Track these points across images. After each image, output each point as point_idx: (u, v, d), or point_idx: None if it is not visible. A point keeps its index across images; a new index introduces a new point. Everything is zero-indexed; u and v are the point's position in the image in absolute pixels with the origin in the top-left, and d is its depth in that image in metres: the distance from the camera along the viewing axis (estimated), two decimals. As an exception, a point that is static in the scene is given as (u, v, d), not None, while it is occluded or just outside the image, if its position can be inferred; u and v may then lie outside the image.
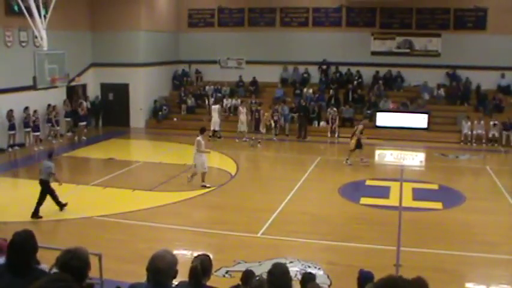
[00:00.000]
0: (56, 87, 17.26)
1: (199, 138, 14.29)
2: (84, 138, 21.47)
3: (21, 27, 18.71)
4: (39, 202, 11.53)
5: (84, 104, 22.99)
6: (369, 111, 23.13)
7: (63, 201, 12.00)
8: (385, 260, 9.41)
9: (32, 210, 11.43)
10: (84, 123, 21.96)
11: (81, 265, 3.25)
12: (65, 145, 20.61)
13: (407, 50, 24.42)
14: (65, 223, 11.49)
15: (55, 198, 11.86)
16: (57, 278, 2.98)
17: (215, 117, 21.45)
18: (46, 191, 11.67)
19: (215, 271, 8.00)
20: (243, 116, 21.27)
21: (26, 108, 19.20)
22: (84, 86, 24.14)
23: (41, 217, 11.40)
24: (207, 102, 24.85)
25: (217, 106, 22.13)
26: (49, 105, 20.37)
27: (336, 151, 21.65)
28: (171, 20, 26.23)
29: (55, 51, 16.04)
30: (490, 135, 20.76)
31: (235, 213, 12.29)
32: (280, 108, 22.55)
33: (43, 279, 2.93)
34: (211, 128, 21.28)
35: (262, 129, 20.72)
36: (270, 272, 4.21)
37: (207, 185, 14.21)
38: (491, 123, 20.84)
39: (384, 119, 22.41)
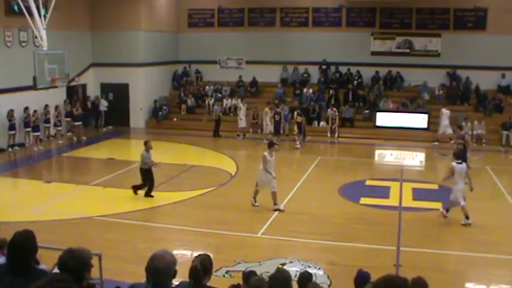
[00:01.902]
0: (56, 87, 17.27)
1: (265, 153, 12.23)
2: (84, 138, 21.45)
3: (21, 27, 18.72)
4: (145, 185, 13.31)
5: (105, 102, 23.61)
6: (367, 111, 23.15)
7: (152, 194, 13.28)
8: (385, 260, 9.42)
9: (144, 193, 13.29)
10: (80, 123, 21.91)
11: (78, 265, 3.25)
12: (65, 145, 20.63)
13: (407, 50, 24.43)
14: (65, 223, 11.48)
15: (150, 185, 13.27)
16: (56, 278, 2.98)
17: (242, 116, 22.03)
18: (145, 177, 13.19)
19: (215, 271, 7.99)
20: (269, 118, 20.78)
21: (26, 108, 19.19)
22: (84, 86, 24.16)
23: (152, 196, 13.23)
24: (207, 102, 24.89)
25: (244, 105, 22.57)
26: (46, 105, 20.36)
27: (336, 151, 21.66)
28: (171, 20, 26.23)
29: (55, 51, 16.04)
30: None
31: (235, 213, 12.28)
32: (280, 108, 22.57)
33: (43, 279, 2.94)
34: (239, 126, 21.95)
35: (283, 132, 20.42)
36: (271, 277, 4.22)
37: (281, 208, 12.27)
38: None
39: (384, 119, 22.41)
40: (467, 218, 11.43)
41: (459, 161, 11.69)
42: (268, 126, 20.90)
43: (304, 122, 20.84)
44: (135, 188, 13.40)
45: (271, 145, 12.52)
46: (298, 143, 20.01)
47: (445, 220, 11.94)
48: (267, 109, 21.18)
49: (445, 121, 20.80)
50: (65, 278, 2.98)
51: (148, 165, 13.10)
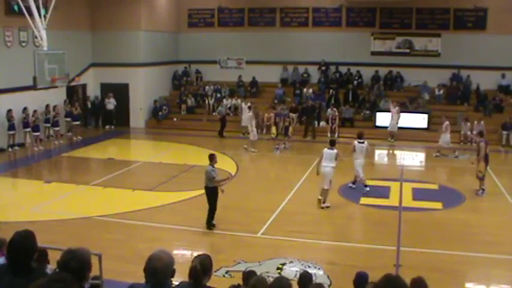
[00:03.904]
0: (56, 87, 17.28)
1: (337, 150, 12.57)
2: (79, 137, 21.45)
3: (21, 27, 18.72)
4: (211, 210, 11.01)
5: (113, 100, 23.68)
6: (367, 111, 23.14)
7: (213, 222, 11.04)
8: (385, 260, 9.41)
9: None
10: (78, 122, 21.96)
11: (80, 266, 3.25)
12: (64, 145, 20.63)
13: (407, 50, 24.43)
14: (65, 223, 11.49)
15: (211, 210, 10.99)
16: (57, 278, 2.98)
17: (245, 115, 21.99)
18: (209, 197, 10.96)
19: (215, 271, 7.99)
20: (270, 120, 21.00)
21: (25, 109, 19.17)
22: (84, 86, 24.16)
23: (213, 225, 10.99)
24: (207, 102, 24.91)
25: (248, 105, 22.46)
26: (47, 105, 20.35)
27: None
28: (171, 20, 26.23)
29: (55, 51, 16.05)
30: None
31: (235, 213, 12.27)
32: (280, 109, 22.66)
33: (43, 279, 2.93)
34: (242, 124, 21.97)
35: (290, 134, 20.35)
36: (270, 285, 4.23)
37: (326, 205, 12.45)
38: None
39: (384, 119, 22.39)
40: (353, 182, 14.11)
41: (361, 141, 13.74)
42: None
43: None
44: (209, 222, 11.10)
45: (334, 143, 12.84)
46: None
47: (445, 220, 11.95)
48: (267, 114, 21.28)
49: (394, 119, 21.22)
50: (65, 277, 2.97)
51: (214, 184, 10.93)
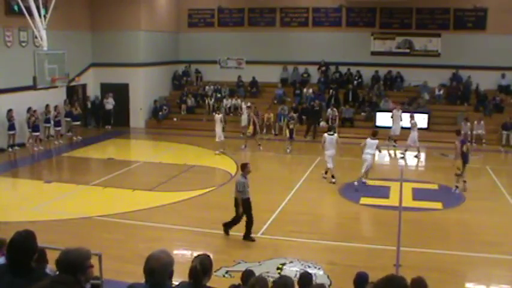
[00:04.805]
0: (56, 87, 17.28)
1: (374, 140, 14.60)
2: (79, 137, 21.46)
3: (21, 27, 18.72)
4: (237, 219, 10.47)
5: (112, 100, 23.71)
6: (368, 108, 23.12)
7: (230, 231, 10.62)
8: (385, 260, 9.42)
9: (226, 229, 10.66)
10: (78, 122, 21.98)
11: (78, 266, 3.24)
12: (64, 145, 20.63)
13: (407, 50, 24.44)
14: (65, 223, 11.48)
15: (249, 223, 10.41)
16: (59, 280, 2.98)
17: (245, 115, 21.94)
18: (239, 209, 10.38)
19: (215, 271, 7.99)
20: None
21: (29, 109, 19.19)
22: (84, 86, 24.16)
23: (253, 240, 10.39)
24: (207, 102, 24.92)
25: (247, 105, 22.48)
26: (47, 105, 20.34)
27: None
28: (171, 20, 26.24)
29: (55, 51, 16.05)
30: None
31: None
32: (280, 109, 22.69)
33: (46, 280, 2.93)
34: (242, 124, 21.85)
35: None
36: (274, 282, 4.23)
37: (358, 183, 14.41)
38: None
39: (384, 119, 22.38)
40: (333, 177, 14.88)
41: (331, 133, 15.24)
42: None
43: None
44: (227, 226, 10.64)
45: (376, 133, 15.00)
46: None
47: (445, 220, 11.95)
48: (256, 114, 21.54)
49: (397, 123, 20.78)
50: (67, 279, 2.97)
51: (246, 195, 10.34)
